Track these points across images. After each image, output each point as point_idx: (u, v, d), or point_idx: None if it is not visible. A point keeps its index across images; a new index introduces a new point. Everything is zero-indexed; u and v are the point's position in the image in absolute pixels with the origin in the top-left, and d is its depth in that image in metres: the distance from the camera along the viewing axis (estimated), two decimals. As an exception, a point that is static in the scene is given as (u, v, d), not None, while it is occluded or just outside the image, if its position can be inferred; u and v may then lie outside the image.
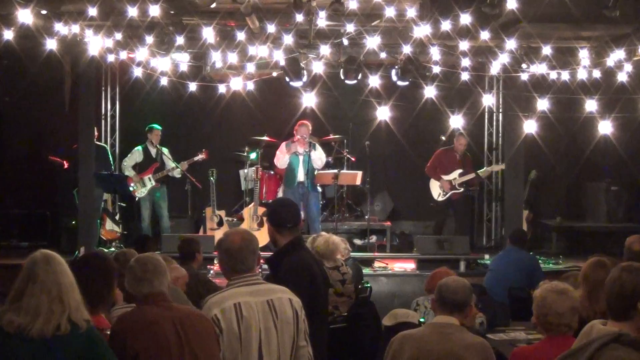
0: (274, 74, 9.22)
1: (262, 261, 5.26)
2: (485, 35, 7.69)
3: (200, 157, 10.35)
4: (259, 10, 7.83)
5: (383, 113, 8.88)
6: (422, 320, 5.32)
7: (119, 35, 8.12)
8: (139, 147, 10.50)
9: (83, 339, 3.01)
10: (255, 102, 10.20)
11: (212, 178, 10.26)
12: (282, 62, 8.38)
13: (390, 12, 7.41)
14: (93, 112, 10.00)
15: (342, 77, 8.96)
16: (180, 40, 8.08)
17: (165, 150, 10.48)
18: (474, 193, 11.26)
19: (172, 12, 7.96)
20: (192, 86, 9.15)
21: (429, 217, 11.91)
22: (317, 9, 7.40)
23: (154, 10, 7.29)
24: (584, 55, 8.43)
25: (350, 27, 7.75)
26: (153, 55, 8.62)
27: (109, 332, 3.36)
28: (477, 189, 11.27)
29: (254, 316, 3.42)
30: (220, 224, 10.22)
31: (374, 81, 8.65)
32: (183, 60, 8.97)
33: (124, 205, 11.15)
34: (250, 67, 8.92)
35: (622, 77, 8.38)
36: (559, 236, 11.13)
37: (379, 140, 11.15)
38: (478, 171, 10.59)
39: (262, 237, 7.94)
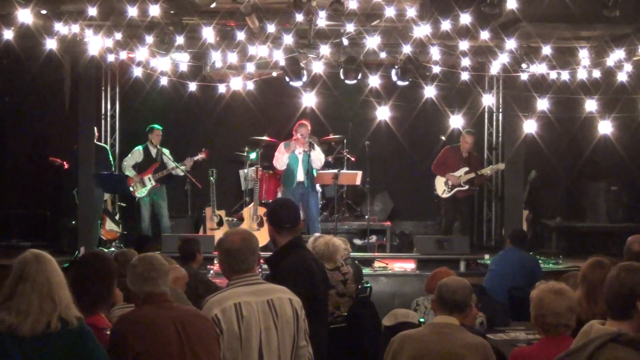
0: (274, 73, 9.22)
1: (262, 261, 5.27)
2: (485, 35, 7.69)
3: (200, 156, 10.35)
4: (259, 10, 7.83)
5: (383, 113, 8.88)
6: (422, 320, 5.32)
7: (119, 35, 8.12)
8: (140, 147, 10.50)
9: (74, 336, 3.02)
10: (255, 102, 10.20)
11: (212, 178, 10.26)
12: (282, 62, 8.38)
13: (390, 12, 7.41)
14: (93, 112, 10.00)
15: (342, 77, 8.97)
16: (180, 40, 8.08)
17: (166, 151, 10.47)
18: (474, 192, 11.24)
19: (172, 12, 7.96)
20: (192, 86, 9.15)
21: (429, 217, 11.93)
22: (317, 8, 7.41)
23: (154, 10, 7.29)
24: (583, 55, 8.43)
25: (350, 27, 7.75)
26: (153, 55, 8.62)
27: (108, 332, 3.36)
28: (477, 189, 11.27)
29: (254, 316, 3.42)
30: (220, 224, 10.22)
31: (374, 81, 8.65)
32: (183, 60, 8.98)
33: (124, 205, 11.14)
34: (250, 67, 8.93)
35: (622, 77, 8.38)
36: (559, 236, 11.12)
37: (379, 140, 11.15)
38: (482, 170, 10.56)
39: (262, 237, 7.94)
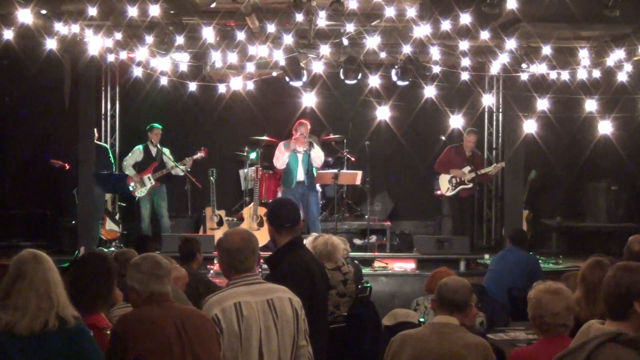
0: (274, 73, 9.22)
1: (262, 261, 5.27)
2: (485, 35, 7.69)
3: (199, 155, 10.35)
4: (259, 10, 7.83)
5: (383, 113, 8.88)
6: (422, 320, 5.33)
7: (119, 35, 8.12)
8: (140, 146, 10.50)
9: (71, 335, 3.03)
10: (255, 102, 10.20)
11: (212, 178, 10.26)
12: (282, 62, 8.38)
13: (390, 12, 7.41)
14: (93, 112, 10.00)
15: (342, 77, 8.97)
16: (180, 40, 8.07)
17: (166, 151, 10.47)
18: (474, 192, 11.24)
19: (172, 12, 7.96)
20: (192, 86, 9.14)
21: (429, 217, 11.93)
22: (317, 8, 7.40)
23: (154, 10, 7.29)
24: (583, 55, 8.43)
25: (350, 27, 7.75)
26: (153, 55, 8.62)
27: (109, 332, 3.36)
28: (478, 188, 11.27)
29: (254, 316, 3.42)
30: (220, 223, 10.22)
31: (374, 81, 8.65)
32: (183, 60, 8.98)
33: (124, 205, 11.15)
34: (250, 67, 8.93)
35: (622, 77, 8.38)
36: (559, 236, 11.12)
37: (379, 140, 11.15)
38: (485, 169, 10.55)
39: (262, 236, 7.94)
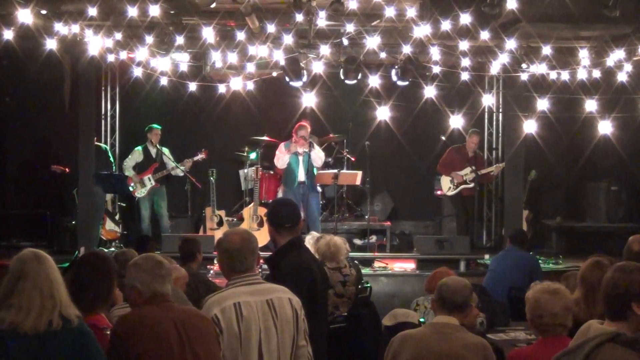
0: (274, 74, 9.23)
1: (262, 261, 5.27)
2: (485, 35, 7.70)
3: (200, 156, 10.35)
4: (259, 10, 7.83)
5: (383, 113, 8.89)
6: (422, 320, 5.32)
7: (119, 35, 8.12)
8: (139, 147, 10.49)
9: (75, 334, 3.03)
10: (255, 102, 10.21)
11: (212, 178, 10.25)
12: (282, 62, 8.39)
13: (390, 12, 7.42)
14: (93, 112, 10.00)
15: (342, 77, 8.97)
16: (180, 40, 8.08)
17: (165, 151, 10.47)
18: (475, 192, 11.23)
19: (172, 12, 7.96)
20: (192, 86, 9.15)
21: (429, 217, 11.92)
22: (317, 9, 7.41)
23: (154, 10, 7.29)
24: (583, 55, 8.44)
25: (350, 27, 7.76)
26: (153, 55, 8.62)
27: (108, 332, 3.36)
28: (478, 188, 11.26)
29: (253, 316, 3.42)
30: (220, 224, 10.22)
31: (374, 81, 8.66)
32: (183, 60, 8.98)
33: (124, 205, 11.15)
34: (250, 67, 8.93)
35: (622, 77, 8.39)
36: (559, 236, 11.12)
37: (379, 140, 11.15)
38: (486, 169, 10.55)
39: (262, 237, 7.94)
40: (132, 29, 8.17)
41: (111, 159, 10.80)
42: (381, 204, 11.85)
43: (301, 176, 9.94)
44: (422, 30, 7.62)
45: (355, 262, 7.06)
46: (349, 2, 7.25)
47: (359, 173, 10.69)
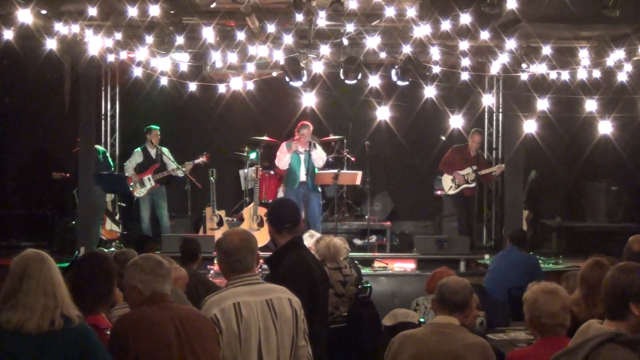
0: (274, 74, 9.23)
1: (262, 261, 5.27)
2: (485, 35, 7.70)
3: (201, 160, 10.33)
4: (259, 10, 7.84)
5: (383, 113, 8.88)
6: (422, 320, 5.32)
7: (119, 35, 8.12)
8: (139, 149, 10.48)
9: (77, 334, 3.04)
10: (255, 102, 10.21)
11: (212, 178, 10.25)
12: (282, 62, 8.38)
13: (390, 12, 7.42)
14: (93, 112, 10.00)
15: (342, 77, 8.97)
16: (180, 40, 8.08)
17: (165, 151, 10.46)
18: (475, 192, 11.23)
19: (172, 12, 7.97)
20: (192, 86, 9.15)
21: (429, 217, 11.92)
22: (317, 9, 7.41)
23: (154, 10, 7.29)
24: (583, 55, 8.44)
25: (350, 27, 7.76)
26: (153, 55, 8.63)
27: (108, 332, 3.36)
28: (478, 189, 11.25)
29: (253, 316, 3.42)
30: (220, 224, 10.21)
31: (374, 81, 8.66)
32: (183, 60, 8.98)
33: (124, 205, 11.14)
34: (250, 67, 8.93)
35: (622, 77, 8.38)
36: (559, 236, 11.12)
37: (379, 140, 11.15)
38: (488, 169, 10.55)
39: (262, 237, 7.95)
40: (132, 29, 8.17)
41: (109, 161, 10.79)
42: (381, 204, 11.85)
43: (302, 176, 9.94)
44: (422, 30, 7.61)
45: (355, 262, 7.07)
46: (349, 2, 7.24)
47: (359, 173, 10.69)
